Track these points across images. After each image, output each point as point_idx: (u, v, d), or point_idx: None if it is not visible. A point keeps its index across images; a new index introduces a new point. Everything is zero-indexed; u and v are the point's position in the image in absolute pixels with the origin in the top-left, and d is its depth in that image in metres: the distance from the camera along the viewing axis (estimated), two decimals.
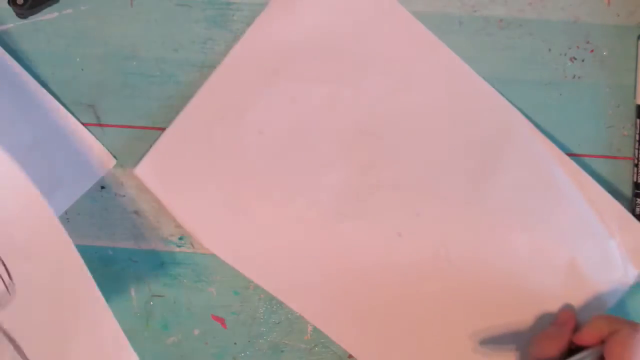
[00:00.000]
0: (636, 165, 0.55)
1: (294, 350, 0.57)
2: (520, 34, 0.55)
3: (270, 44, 0.55)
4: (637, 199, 0.55)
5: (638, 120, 0.55)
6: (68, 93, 0.56)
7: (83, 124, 0.56)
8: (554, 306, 0.54)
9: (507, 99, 0.55)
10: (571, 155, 0.56)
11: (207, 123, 0.55)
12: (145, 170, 0.55)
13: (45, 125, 0.55)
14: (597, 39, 0.55)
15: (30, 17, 0.56)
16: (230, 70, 0.55)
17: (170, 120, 0.55)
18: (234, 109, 0.55)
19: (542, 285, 0.54)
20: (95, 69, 0.56)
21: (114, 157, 0.56)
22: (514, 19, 0.55)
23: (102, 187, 0.56)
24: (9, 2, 0.54)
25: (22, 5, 0.54)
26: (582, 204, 0.55)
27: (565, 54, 0.55)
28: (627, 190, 0.56)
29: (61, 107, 0.55)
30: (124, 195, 0.56)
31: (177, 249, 0.57)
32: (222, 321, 0.57)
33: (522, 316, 0.55)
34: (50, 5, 0.55)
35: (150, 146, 0.55)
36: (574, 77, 0.56)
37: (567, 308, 0.54)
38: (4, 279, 0.48)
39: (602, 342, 0.49)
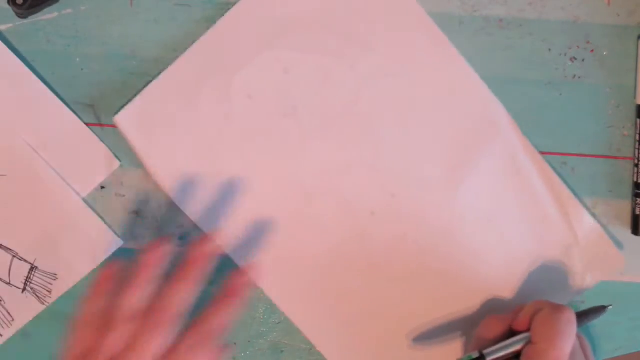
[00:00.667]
0: (636, 165, 0.55)
1: (294, 350, 0.57)
2: (520, 34, 0.55)
3: (270, 10, 0.55)
4: (637, 199, 0.55)
5: (638, 120, 0.55)
6: (68, 93, 0.56)
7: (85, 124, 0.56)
8: (508, 297, 0.56)
9: (506, 98, 0.55)
10: (571, 155, 0.56)
11: (195, 80, 0.55)
12: (125, 118, 0.55)
13: (49, 126, 0.55)
14: (597, 39, 0.55)
15: (30, 17, 0.56)
16: (226, 30, 0.55)
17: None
18: (225, 70, 0.55)
19: (500, 278, 0.55)
20: (95, 69, 0.56)
21: (117, 158, 0.56)
22: (514, 19, 0.55)
23: (102, 187, 0.56)
24: (8, 2, 0.54)
25: (21, 5, 0.54)
26: (551, 208, 0.55)
27: (565, 54, 0.55)
28: (627, 190, 0.56)
29: (65, 107, 0.55)
30: (124, 195, 0.56)
31: (177, 249, 0.57)
32: None
33: (476, 304, 0.56)
34: (50, 5, 0.55)
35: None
36: (574, 77, 0.56)
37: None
38: None
39: None
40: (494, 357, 0.49)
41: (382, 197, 0.55)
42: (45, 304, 0.56)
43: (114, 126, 0.56)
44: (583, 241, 0.55)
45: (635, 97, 0.55)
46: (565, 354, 0.47)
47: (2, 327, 0.56)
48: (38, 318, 0.56)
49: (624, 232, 0.56)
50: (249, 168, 0.55)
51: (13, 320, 0.56)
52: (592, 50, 0.55)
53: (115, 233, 0.56)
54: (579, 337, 0.51)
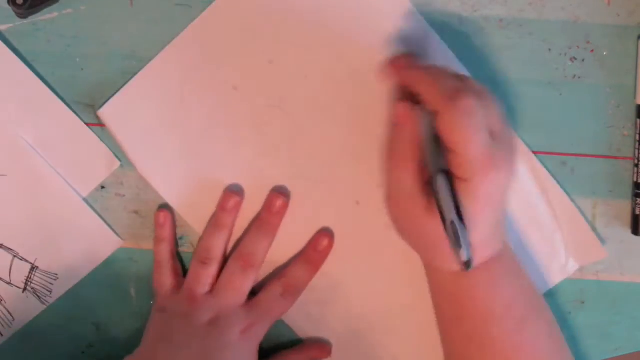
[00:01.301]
0: (636, 165, 0.55)
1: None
2: (520, 34, 0.55)
3: (253, 1, 0.54)
4: (637, 199, 0.55)
5: (638, 120, 0.55)
6: (68, 93, 0.56)
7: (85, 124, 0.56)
8: None
9: (506, 98, 0.55)
10: (571, 155, 0.56)
11: (179, 72, 0.55)
12: (110, 111, 0.55)
13: (49, 126, 0.55)
14: (597, 39, 0.55)
15: (30, 17, 0.56)
16: (210, 22, 0.55)
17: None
18: (209, 62, 0.55)
19: None
20: (95, 69, 0.56)
21: (117, 158, 0.56)
22: (514, 19, 0.55)
23: (102, 187, 0.56)
24: (8, 2, 0.54)
25: (21, 5, 0.54)
26: (535, 194, 0.55)
27: (565, 54, 0.55)
28: (627, 190, 0.56)
29: (65, 107, 0.55)
30: (124, 195, 0.56)
31: (177, 249, 0.57)
32: None
33: None
34: (50, 5, 0.55)
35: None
36: (574, 77, 0.55)
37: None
38: None
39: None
40: (431, 162, 0.46)
41: (367, 188, 0.55)
42: (46, 303, 0.56)
43: None
44: (566, 229, 0.55)
45: (635, 97, 0.55)
46: (482, 141, 0.44)
47: (3, 326, 0.56)
48: (38, 318, 0.56)
49: (624, 232, 0.56)
50: (236, 159, 0.55)
51: (13, 320, 0.56)
52: (592, 50, 0.55)
53: (116, 233, 0.56)
54: (486, 101, 0.47)
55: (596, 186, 0.56)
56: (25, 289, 0.56)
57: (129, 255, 0.57)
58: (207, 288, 0.53)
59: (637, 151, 0.55)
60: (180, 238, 0.57)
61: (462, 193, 0.45)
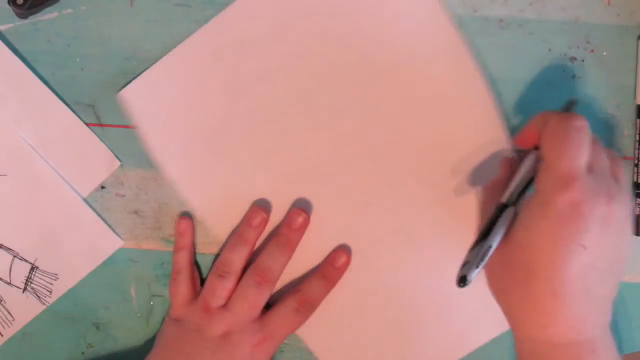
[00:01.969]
0: (636, 165, 0.55)
1: (294, 350, 0.57)
2: (520, 34, 0.55)
3: None
4: (638, 199, 0.55)
5: (638, 120, 0.55)
6: (68, 93, 0.56)
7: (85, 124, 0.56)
8: None
9: (506, 98, 0.55)
10: None
11: (204, 59, 0.55)
12: (130, 95, 0.55)
13: (49, 126, 0.55)
14: (597, 39, 0.55)
15: (30, 17, 0.56)
16: (241, 11, 0.55)
17: None
18: (236, 51, 0.55)
19: None
20: (95, 69, 0.56)
21: (117, 158, 0.56)
22: (514, 19, 0.55)
23: (102, 187, 0.56)
24: (8, 2, 0.54)
25: (22, 5, 0.54)
26: None
27: (565, 54, 0.55)
28: (627, 190, 0.56)
29: (65, 107, 0.55)
30: (124, 195, 0.56)
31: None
32: None
33: (479, 291, 0.54)
34: (50, 5, 0.55)
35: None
36: (573, 77, 0.56)
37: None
38: None
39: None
40: (511, 192, 0.46)
41: (380, 189, 0.55)
42: (46, 303, 0.56)
43: (114, 126, 0.56)
44: None
45: (635, 97, 0.55)
46: (577, 164, 0.43)
47: (3, 327, 0.56)
48: (38, 318, 0.56)
49: None
50: (253, 151, 0.55)
51: (14, 320, 0.56)
52: (592, 51, 0.55)
53: (116, 233, 0.56)
54: (608, 152, 0.47)
55: None
56: (25, 289, 0.56)
57: (129, 256, 0.57)
58: (222, 301, 0.53)
59: (637, 151, 0.55)
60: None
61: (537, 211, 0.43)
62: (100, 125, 0.56)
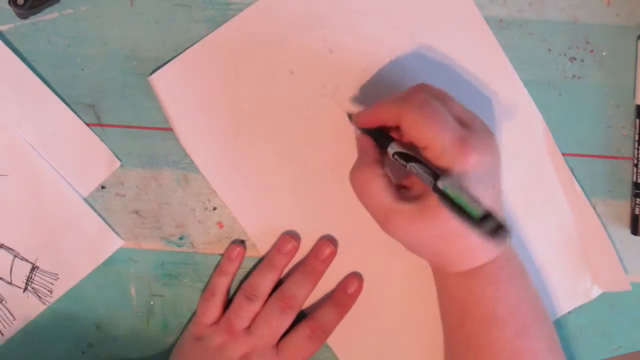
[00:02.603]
0: (635, 165, 0.55)
1: None
2: (520, 34, 0.55)
3: None
4: (637, 199, 0.55)
5: (637, 120, 0.55)
6: (68, 93, 0.56)
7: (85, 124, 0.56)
8: None
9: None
10: (571, 155, 0.56)
11: (237, 48, 0.55)
12: (160, 79, 0.55)
13: (49, 126, 0.55)
14: (597, 39, 0.55)
15: (31, 18, 0.56)
16: (275, 2, 0.55)
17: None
18: (269, 42, 0.55)
19: None
20: (96, 69, 0.56)
21: (118, 158, 0.56)
22: (513, 19, 0.55)
23: (103, 187, 0.56)
24: (9, 3, 0.54)
25: (22, 6, 0.54)
26: (569, 217, 0.56)
27: (565, 54, 0.55)
28: (627, 190, 0.56)
29: (66, 108, 0.56)
30: (124, 195, 0.56)
31: (177, 249, 0.57)
32: None
33: None
34: (50, 5, 0.55)
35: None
36: (573, 77, 0.56)
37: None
38: None
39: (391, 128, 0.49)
40: (424, 178, 0.46)
41: None
42: (46, 303, 0.56)
43: (114, 126, 0.56)
44: (594, 252, 0.56)
45: (634, 97, 0.55)
46: (453, 130, 0.45)
47: (4, 326, 0.56)
48: (39, 318, 0.56)
49: (624, 232, 0.56)
50: (280, 144, 0.55)
51: (14, 319, 0.56)
52: (591, 51, 0.55)
53: (116, 233, 0.56)
54: (443, 97, 0.48)
55: (595, 186, 0.56)
56: (25, 289, 0.56)
57: (129, 255, 0.57)
58: (246, 323, 0.54)
59: (636, 151, 0.55)
60: (181, 238, 0.57)
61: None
62: (101, 125, 0.56)
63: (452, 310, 0.51)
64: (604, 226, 0.56)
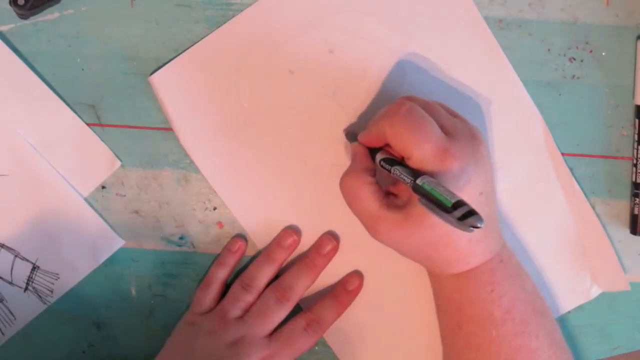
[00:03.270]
0: (635, 165, 0.55)
1: None
2: (519, 34, 0.55)
3: None
4: (636, 198, 0.55)
5: (637, 120, 0.55)
6: (69, 93, 0.56)
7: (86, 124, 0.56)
8: None
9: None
10: (570, 155, 0.56)
11: (237, 48, 0.55)
12: (160, 79, 0.55)
13: (50, 126, 0.56)
14: (596, 40, 0.55)
15: (31, 18, 0.56)
16: (275, 3, 0.55)
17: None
18: (270, 42, 0.55)
19: None
20: (96, 69, 0.56)
21: (118, 158, 0.56)
22: (513, 19, 0.55)
23: (103, 187, 0.56)
24: (10, 3, 0.54)
25: (23, 6, 0.54)
26: (569, 218, 0.56)
27: (565, 54, 0.56)
28: (626, 190, 0.56)
29: (66, 107, 0.56)
30: (124, 195, 0.57)
31: (178, 249, 0.57)
32: None
33: None
34: (51, 5, 0.55)
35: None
36: (573, 77, 0.56)
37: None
38: None
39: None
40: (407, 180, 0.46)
41: None
42: (47, 303, 0.56)
43: (114, 126, 0.56)
44: (594, 252, 0.56)
45: (633, 98, 0.55)
46: (435, 139, 0.45)
47: (4, 326, 0.56)
48: (40, 317, 0.56)
49: (623, 232, 0.56)
50: (281, 144, 0.55)
51: (15, 319, 0.56)
52: (591, 51, 0.55)
53: (116, 233, 0.56)
54: (427, 105, 0.48)
55: (595, 186, 0.56)
56: (26, 289, 0.56)
57: (130, 255, 0.57)
58: (239, 312, 0.54)
59: (635, 151, 0.55)
60: (181, 238, 0.57)
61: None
62: (101, 125, 0.56)
63: (448, 312, 0.51)
64: (604, 226, 0.56)
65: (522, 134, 0.55)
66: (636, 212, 0.55)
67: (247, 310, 0.54)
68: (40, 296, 0.56)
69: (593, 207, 0.56)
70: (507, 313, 0.48)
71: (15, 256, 0.56)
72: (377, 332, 0.56)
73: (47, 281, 0.56)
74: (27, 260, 0.56)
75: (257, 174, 0.56)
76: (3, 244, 0.56)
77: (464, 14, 0.55)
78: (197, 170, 0.56)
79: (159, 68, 0.55)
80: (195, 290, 0.56)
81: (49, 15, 0.56)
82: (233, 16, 0.55)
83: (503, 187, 0.55)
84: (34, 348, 0.57)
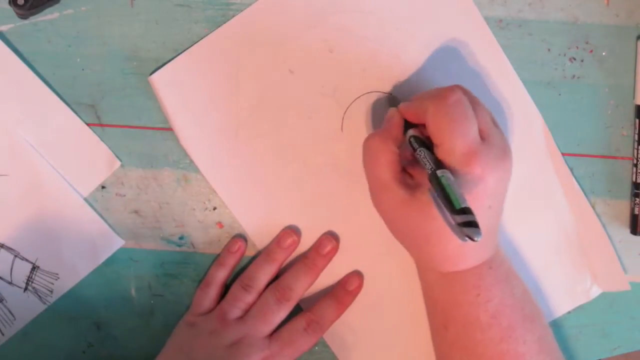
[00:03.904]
0: (635, 165, 0.55)
1: None
2: (519, 34, 0.55)
3: None
4: (636, 198, 0.55)
5: (637, 120, 0.55)
6: (69, 93, 0.56)
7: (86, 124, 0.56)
8: None
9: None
10: (570, 155, 0.56)
11: (237, 48, 0.55)
12: (160, 79, 0.55)
13: (50, 126, 0.56)
14: (596, 39, 0.55)
15: (31, 18, 0.56)
16: (275, 2, 0.55)
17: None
18: (269, 42, 0.55)
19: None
20: (96, 69, 0.56)
21: (118, 158, 0.56)
22: (513, 19, 0.55)
23: (103, 187, 0.56)
24: (9, 3, 0.54)
25: (22, 6, 0.54)
26: (569, 218, 0.56)
27: (565, 54, 0.56)
28: (626, 190, 0.56)
29: (66, 107, 0.56)
30: (124, 195, 0.57)
31: (178, 249, 0.57)
32: None
33: None
34: (51, 5, 0.55)
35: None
36: (573, 77, 0.56)
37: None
38: None
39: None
40: (428, 166, 0.46)
41: None
42: (47, 303, 0.56)
43: (114, 126, 0.56)
44: (594, 252, 0.56)
45: (634, 97, 0.55)
46: (469, 140, 0.45)
47: (4, 326, 0.56)
48: (39, 317, 0.56)
49: (623, 232, 0.56)
50: (280, 143, 0.55)
51: (14, 319, 0.56)
52: (591, 51, 0.55)
53: (116, 233, 0.56)
54: (475, 104, 0.48)
55: (595, 186, 0.56)
56: (26, 289, 0.56)
57: (130, 255, 0.57)
58: (239, 313, 0.54)
59: (635, 151, 0.55)
60: (181, 238, 0.57)
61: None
62: (101, 125, 0.56)
63: (435, 313, 0.51)
64: (604, 226, 0.56)
65: (522, 134, 0.55)
66: (636, 212, 0.55)
67: (247, 311, 0.54)
68: (39, 296, 0.56)
69: (593, 207, 0.56)
70: (493, 318, 0.48)
71: (15, 256, 0.56)
72: (376, 332, 0.56)
73: (47, 281, 0.56)
74: (27, 260, 0.56)
75: (257, 174, 0.56)
76: (3, 244, 0.56)
77: (464, 14, 0.55)
78: (197, 170, 0.56)
79: (159, 68, 0.55)
80: (195, 290, 0.56)
81: (48, 15, 0.56)
82: (233, 16, 0.55)
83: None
84: (34, 348, 0.57)
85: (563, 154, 0.56)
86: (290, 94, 0.55)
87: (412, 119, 0.49)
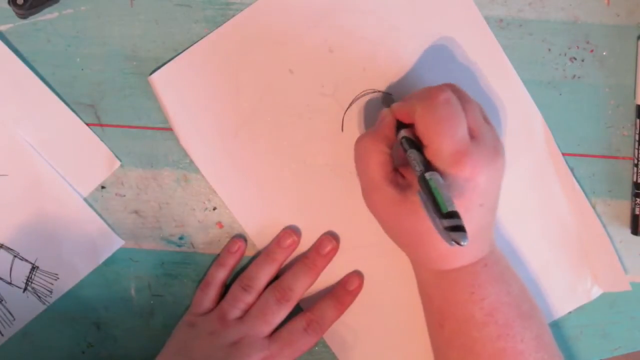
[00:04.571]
0: (636, 165, 0.55)
1: None
2: (520, 34, 0.55)
3: None
4: (637, 198, 0.55)
5: (637, 120, 0.55)
6: (68, 93, 0.56)
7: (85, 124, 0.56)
8: None
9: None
10: (571, 155, 0.56)
11: (237, 48, 0.55)
12: (160, 79, 0.55)
13: (49, 126, 0.55)
14: (597, 39, 0.55)
15: (31, 17, 0.56)
16: (274, 2, 0.55)
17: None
18: (269, 42, 0.55)
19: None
20: (96, 69, 0.56)
21: (118, 158, 0.56)
22: (513, 19, 0.55)
23: (103, 187, 0.56)
24: (9, 2, 0.54)
25: (22, 6, 0.54)
26: (568, 217, 0.56)
27: (565, 54, 0.56)
28: (627, 190, 0.56)
29: (66, 108, 0.56)
30: (124, 195, 0.56)
31: (177, 249, 0.57)
32: None
33: None
34: (50, 5, 0.55)
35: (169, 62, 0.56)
36: (573, 77, 0.56)
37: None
38: None
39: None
40: (417, 168, 0.46)
41: None
42: (46, 303, 0.56)
43: (114, 126, 0.56)
44: (595, 253, 0.56)
45: (634, 97, 0.55)
46: (458, 139, 0.45)
47: (4, 326, 0.56)
48: (39, 318, 0.56)
49: (623, 232, 0.56)
50: (281, 143, 0.55)
51: (14, 319, 0.56)
52: (591, 50, 0.55)
53: (116, 233, 0.56)
54: (465, 102, 0.47)
55: (595, 186, 0.56)
56: (25, 289, 0.56)
57: (129, 255, 0.57)
58: (239, 313, 0.54)
59: (636, 151, 0.55)
60: (181, 238, 0.57)
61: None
62: (101, 125, 0.56)
63: (431, 311, 0.51)
64: (604, 226, 0.56)
65: (522, 133, 0.55)
66: (637, 212, 0.55)
67: (247, 311, 0.54)
68: (39, 296, 0.56)
69: (593, 207, 0.56)
70: (488, 316, 0.48)
71: (15, 256, 0.56)
72: (376, 332, 0.56)
73: (47, 281, 0.56)
74: (27, 261, 0.56)
75: (257, 174, 0.55)
76: (2, 244, 0.56)
77: (464, 14, 0.55)
78: (197, 170, 0.56)
79: (158, 68, 0.55)
80: (195, 290, 0.56)
81: (48, 15, 0.56)
82: (233, 16, 0.55)
83: (503, 187, 0.55)
84: (34, 348, 0.57)
85: (563, 154, 0.56)
86: (290, 93, 0.55)
87: (404, 119, 0.49)
